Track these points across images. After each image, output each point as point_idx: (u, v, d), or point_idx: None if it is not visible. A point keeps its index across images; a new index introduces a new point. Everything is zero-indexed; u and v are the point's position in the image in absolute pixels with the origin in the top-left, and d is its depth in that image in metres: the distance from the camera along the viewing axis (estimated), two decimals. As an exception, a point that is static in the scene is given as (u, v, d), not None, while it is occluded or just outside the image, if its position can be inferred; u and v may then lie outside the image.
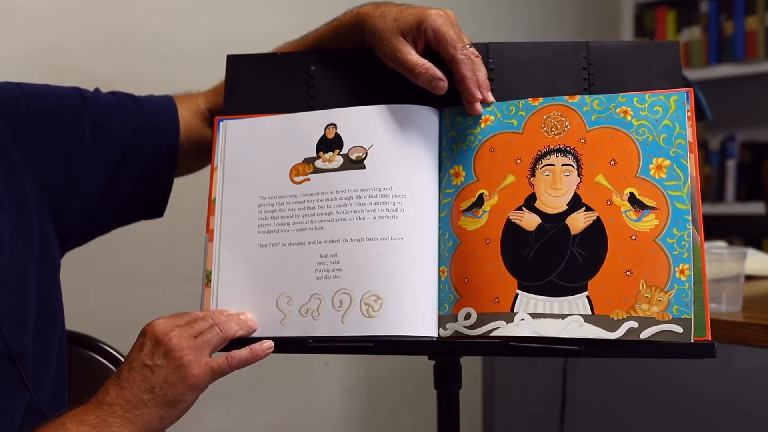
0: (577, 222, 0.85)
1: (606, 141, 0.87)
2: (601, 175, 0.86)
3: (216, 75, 1.07)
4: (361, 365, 2.37)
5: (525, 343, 0.83)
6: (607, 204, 0.85)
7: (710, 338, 0.80)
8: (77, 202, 1.02)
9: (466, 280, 0.87)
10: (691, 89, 0.88)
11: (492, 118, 0.91)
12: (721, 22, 2.96)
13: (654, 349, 0.81)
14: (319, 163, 0.92)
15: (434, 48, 0.90)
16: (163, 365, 0.83)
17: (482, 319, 0.85)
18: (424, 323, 0.86)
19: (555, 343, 0.82)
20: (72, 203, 1.01)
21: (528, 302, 0.84)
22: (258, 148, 0.95)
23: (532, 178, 0.88)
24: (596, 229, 0.84)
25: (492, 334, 0.84)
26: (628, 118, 0.87)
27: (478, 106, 0.90)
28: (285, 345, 0.88)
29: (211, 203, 0.95)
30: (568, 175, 0.87)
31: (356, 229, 0.88)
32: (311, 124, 0.94)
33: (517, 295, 0.85)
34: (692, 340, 0.80)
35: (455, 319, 0.86)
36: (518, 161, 0.89)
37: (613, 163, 0.86)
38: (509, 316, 0.84)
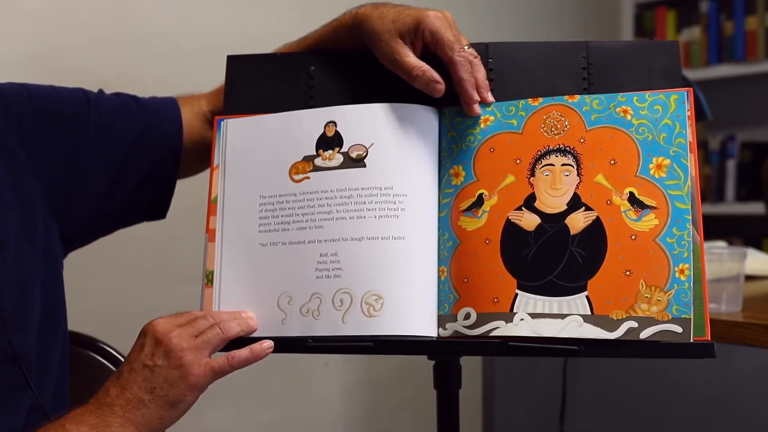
0: (577, 222, 0.85)
1: (606, 140, 0.87)
2: (601, 175, 0.86)
3: (216, 75, 1.07)
4: (361, 365, 2.37)
5: (524, 343, 0.83)
6: (606, 204, 0.85)
7: (709, 338, 0.80)
8: (81, 203, 1.02)
9: (465, 280, 0.87)
10: (691, 89, 0.87)
11: (492, 118, 0.91)
12: (721, 22, 2.96)
13: (653, 349, 0.81)
14: (318, 161, 0.92)
15: (432, 50, 0.90)
16: (163, 365, 0.83)
17: (482, 319, 0.85)
18: (424, 323, 0.86)
19: (554, 343, 0.82)
20: (76, 204, 1.01)
21: (527, 302, 0.84)
22: (258, 146, 0.95)
23: (531, 178, 0.88)
24: (596, 229, 0.84)
25: (491, 334, 0.84)
26: (628, 117, 0.87)
27: (476, 108, 0.90)
28: (285, 345, 0.88)
29: (211, 203, 0.95)
30: (567, 175, 0.87)
31: (357, 228, 0.88)
32: (310, 121, 0.94)
33: (516, 295, 0.85)
34: (692, 340, 0.80)
35: (455, 319, 0.86)
36: (518, 161, 0.89)
37: (612, 162, 0.86)
38: (509, 316, 0.84)
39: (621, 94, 0.88)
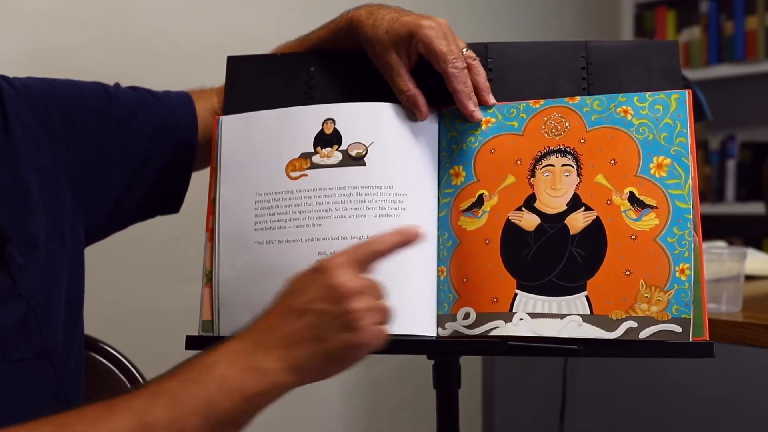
0: (577, 222, 0.85)
1: (606, 141, 0.87)
2: (601, 175, 0.86)
3: (216, 75, 1.07)
4: (361, 365, 2.36)
5: (524, 343, 0.83)
6: (606, 204, 0.85)
7: (708, 338, 0.80)
8: (103, 199, 1.02)
9: (465, 279, 0.87)
10: (690, 90, 0.87)
11: (493, 120, 0.91)
12: (721, 22, 2.96)
13: (653, 349, 0.81)
14: (316, 159, 0.92)
15: (427, 59, 0.90)
16: (337, 315, 0.74)
17: (481, 319, 0.85)
18: (424, 323, 0.86)
19: (554, 342, 0.82)
20: (98, 200, 1.01)
21: (527, 302, 0.84)
22: (254, 143, 0.94)
23: (532, 179, 0.88)
24: (595, 229, 0.84)
25: (491, 333, 0.84)
26: (629, 117, 0.87)
27: (476, 115, 0.90)
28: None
29: (211, 202, 0.95)
30: (567, 176, 0.87)
31: (356, 227, 0.88)
32: (308, 118, 0.93)
33: (516, 294, 0.85)
34: (690, 340, 0.80)
35: (454, 319, 0.86)
36: (518, 162, 0.89)
37: (613, 162, 0.86)
38: (508, 316, 0.84)
39: (622, 94, 0.88)
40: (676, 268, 0.81)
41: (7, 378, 0.86)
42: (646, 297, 0.81)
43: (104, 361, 1.19)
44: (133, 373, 1.19)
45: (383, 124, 0.91)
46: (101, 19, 1.81)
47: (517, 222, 0.87)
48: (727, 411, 1.30)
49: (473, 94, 0.90)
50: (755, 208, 2.88)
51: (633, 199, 0.84)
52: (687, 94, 0.86)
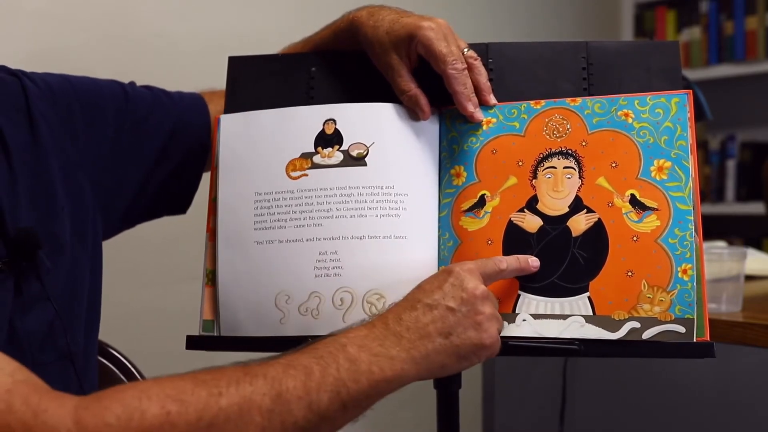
0: (579, 224, 0.85)
1: (607, 143, 0.87)
2: (603, 178, 0.86)
3: (216, 75, 1.07)
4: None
5: (525, 343, 0.83)
6: (608, 206, 0.85)
7: (708, 338, 0.81)
8: (118, 199, 1.01)
9: None
10: (691, 92, 0.88)
11: (494, 120, 0.91)
12: (721, 22, 2.96)
13: (654, 349, 0.81)
14: (317, 159, 0.92)
15: (427, 60, 0.90)
16: (465, 315, 0.78)
17: None
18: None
19: (555, 342, 0.82)
20: (113, 201, 1.01)
21: (529, 303, 0.84)
22: (253, 142, 0.94)
23: (533, 180, 0.88)
24: (597, 231, 0.84)
25: None
26: (629, 120, 0.87)
27: (476, 116, 0.90)
28: (285, 344, 0.87)
29: (211, 202, 0.95)
30: (569, 178, 0.87)
31: (358, 227, 0.88)
32: (309, 118, 0.93)
33: (518, 296, 0.85)
34: (695, 340, 0.80)
35: (456, 319, 0.86)
36: (520, 163, 0.89)
37: (614, 165, 0.86)
38: (511, 317, 0.84)
39: (622, 97, 0.88)
40: (679, 269, 0.81)
41: None
42: (649, 297, 0.81)
43: (104, 361, 1.19)
44: (133, 373, 1.19)
45: (384, 125, 0.91)
46: (101, 19, 1.81)
47: (519, 223, 0.87)
48: (727, 411, 1.30)
49: (473, 95, 0.90)
50: (755, 208, 2.88)
51: (634, 201, 0.84)
52: (687, 96, 0.86)
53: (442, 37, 0.89)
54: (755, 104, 3.05)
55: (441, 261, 0.89)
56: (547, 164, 0.88)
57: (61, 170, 0.93)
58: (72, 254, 0.92)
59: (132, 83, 1.06)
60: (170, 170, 1.05)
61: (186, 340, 0.92)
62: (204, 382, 0.68)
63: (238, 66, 1.00)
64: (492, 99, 0.91)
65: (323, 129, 0.92)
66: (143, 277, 1.87)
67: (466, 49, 0.90)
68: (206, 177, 1.00)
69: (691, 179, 0.84)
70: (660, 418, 1.39)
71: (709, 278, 1.23)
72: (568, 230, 0.85)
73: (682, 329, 0.80)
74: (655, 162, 0.85)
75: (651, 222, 0.83)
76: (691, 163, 0.85)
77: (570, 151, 0.88)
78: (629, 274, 0.82)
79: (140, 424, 0.64)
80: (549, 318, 0.83)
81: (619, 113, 0.87)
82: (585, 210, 0.85)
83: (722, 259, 1.28)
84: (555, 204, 0.87)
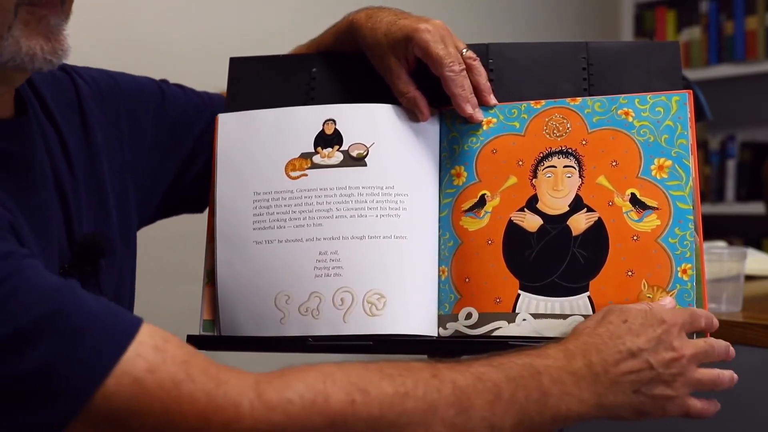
0: (579, 223, 0.85)
1: (607, 142, 0.87)
2: (603, 177, 0.86)
3: (216, 75, 1.07)
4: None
5: (524, 342, 0.83)
6: (608, 205, 0.85)
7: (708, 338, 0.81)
8: (152, 199, 1.01)
9: (467, 279, 0.87)
10: (691, 91, 0.88)
11: (494, 120, 0.91)
12: (721, 22, 2.96)
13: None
14: (317, 159, 0.91)
15: (424, 63, 0.90)
16: (663, 379, 0.75)
17: (483, 319, 0.85)
18: (425, 323, 0.86)
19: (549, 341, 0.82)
20: (148, 200, 1.01)
21: (530, 302, 0.84)
22: (252, 142, 0.94)
23: (534, 180, 0.88)
24: (597, 230, 0.84)
25: (493, 334, 0.84)
26: (630, 119, 0.87)
27: (476, 116, 0.90)
28: (285, 344, 0.88)
29: (212, 202, 0.95)
30: (569, 177, 0.87)
31: (358, 227, 0.88)
32: (308, 118, 0.93)
33: (518, 295, 0.85)
34: (694, 339, 0.80)
35: (456, 319, 0.86)
36: (520, 163, 0.89)
37: (614, 164, 0.86)
38: (511, 317, 0.84)
39: (623, 96, 0.88)
40: (678, 269, 0.81)
41: None
42: (649, 297, 0.81)
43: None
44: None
45: (384, 125, 0.91)
46: (101, 19, 1.81)
47: (519, 223, 0.87)
48: (727, 411, 1.30)
49: (472, 96, 0.90)
50: (755, 208, 2.88)
51: (634, 200, 0.84)
52: (688, 96, 0.86)
53: (439, 38, 0.89)
54: (755, 104, 3.05)
55: (441, 261, 0.89)
56: (547, 163, 0.88)
57: (110, 173, 0.92)
58: (121, 257, 0.92)
59: (165, 81, 1.06)
60: (198, 171, 1.04)
61: (186, 340, 0.92)
62: (390, 377, 0.67)
63: (240, 67, 1.00)
64: (492, 99, 0.91)
65: (323, 129, 0.92)
66: (143, 277, 1.87)
67: (464, 50, 0.90)
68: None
69: (691, 178, 0.84)
70: (659, 417, 1.38)
71: (709, 278, 1.22)
72: (568, 229, 0.85)
73: None
74: (656, 161, 0.85)
75: (651, 221, 0.83)
76: (692, 162, 0.85)
77: (570, 150, 0.88)
78: (629, 273, 0.82)
79: (324, 408, 0.64)
80: (549, 317, 0.83)
81: (619, 112, 0.87)
82: (585, 209, 0.85)
83: (722, 259, 1.28)
84: (555, 203, 0.86)
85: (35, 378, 0.61)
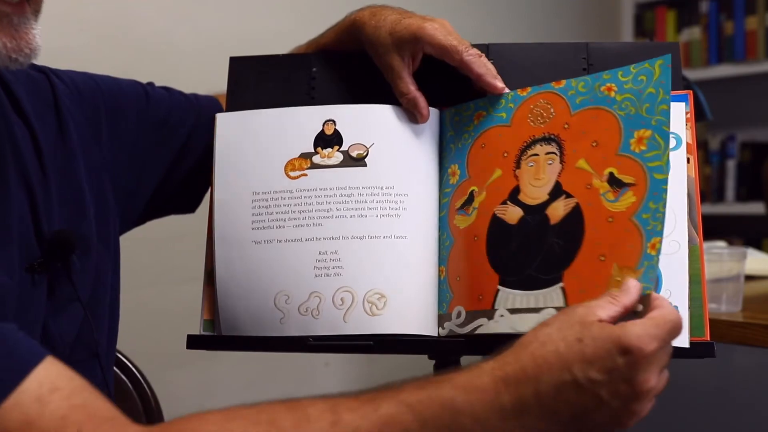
0: (557, 210, 0.81)
1: (588, 122, 0.83)
2: (582, 159, 0.81)
3: (216, 75, 1.08)
4: (361, 365, 2.37)
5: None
6: (586, 188, 0.80)
7: (708, 338, 0.80)
8: (137, 200, 1.01)
9: (458, 278, 0.87)
10: (691, 91, 0.87)
11: (484, 113, 0.90)
12: (721, 22, 2.96)
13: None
14: (317, 159, 0.91)
15: (439, 58, 0.90)
16: (612, 409, 0.65)
17: (469, 317, 0.84)
18: (426, 322, 0.86)
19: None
20: (132, 201, 1.01)
21: (507, 298, 0.82)
22: (251, 141, 0.93)
23: (517, 171, 0.85)
24: (575, 216, 0.80)
25: (476, 332, 0.83)
26: (612, 94, 0.82)
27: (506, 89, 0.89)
28: (285, 344, 0.88)
29: (211, 202, 0.95)
30: (551, 164, 0.83)
31: (358, 227, 0.88)
32: (308, 118, 0.93)
33: (498, 291, 0.83)
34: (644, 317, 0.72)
35: (450, 318, 0.86)
36: (505, 154, 0.87)
37: (594, 144, 0.81)
38: (490, 313, 0.82)
39: (606, 71, 0.84)
40: (648, 244, 0.75)
41: None
42: (618, 281, 0.75)
43: (105, 361, 1.19)
44: (134, 373, 1.19)
45: (384, 126, 0.91)
46: (101, 19, 1.81)
47: (501, 216, 0.84)
48: (727, 411, 1.30)
49: (497, 74, 0.89)
50: (755, 208, 2.88)
51: (612, 179, 0.79)
52: (670, 58, 0.81)
53: (448, 33, 0.89)
54: (755, 104, 3.05)
55: (441, 261, 0.89)
56: (530, 152, 0.85)
57: (87, 171, 0.92)
58: (97, 256, 0.92)
59: (151, 84, 1.06)
60: (186, 172, 1.05)
61: (187, 340, 0.92)
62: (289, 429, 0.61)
63: (240, 66, 1.00)
64: (499, 83, 0.89)
65: (323, 129, 0.92)
66: (143, 277, 1.87)
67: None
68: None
69: (668, 146, 0.78)
70: (660, 417, 1.39)
71: (709, 278, 1.23)
72: (546, 218, 0.82)
73: (639, 307, 0.72)
74: (635, 133, 0.79)
75: (627, 199, 0.78)
76: (690, 162, 0.83)
77: (552, 136, 0.84)
78: (601, 258, 0.77)
79: None
80: (524, 312, 0.80)
81: (602, 89, 0.83)
82: (564, 195, 0.81)
83: (722, 259, 1.28)
84: (535, 192, 0.83)
85: None
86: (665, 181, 0.76)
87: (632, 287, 0.71)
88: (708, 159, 3.06)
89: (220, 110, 1.07)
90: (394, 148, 0.91)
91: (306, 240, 0.88)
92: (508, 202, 0.85)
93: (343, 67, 0.98)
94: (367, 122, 0.92)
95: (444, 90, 0.91)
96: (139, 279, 1.87)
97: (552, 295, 0.79)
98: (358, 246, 0.87)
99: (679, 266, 0.80)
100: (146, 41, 1.88)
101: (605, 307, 0.69)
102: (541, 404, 0.64)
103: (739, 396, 1.29)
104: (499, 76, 0.89)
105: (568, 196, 0.81)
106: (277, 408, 0.64)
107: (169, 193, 1.05)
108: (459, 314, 0.85)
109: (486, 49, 0.93)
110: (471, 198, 0.88)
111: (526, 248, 0.82)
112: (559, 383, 0.64)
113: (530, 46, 0.94)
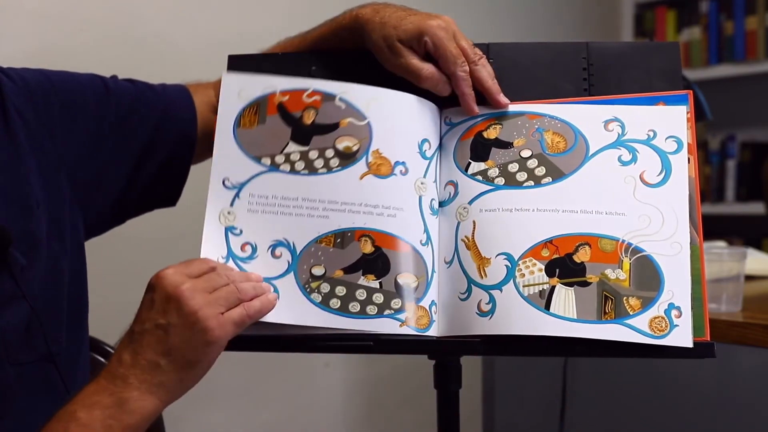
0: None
1: None
2: None
3: (216, 74, 1.07)
4: (361, 365, 2.37)
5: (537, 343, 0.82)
6: None
7: (708, 338, 0.80)
8: (103, 194, 1.01)
9: None
10: (691, 91, 0.87)
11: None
12: (721, 22, 2.96)
13: (654, 350, 0.80)
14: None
15: (434, 58, 0.90)
16: (177, 323, 0.76)
17: None
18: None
19: (552, 341, 0.82)
20: (98, 196, 1.00)
21: None
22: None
23: None
24: None
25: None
26: None
27: (476, 110, 0.91)
28: (286, 344, 0.88)
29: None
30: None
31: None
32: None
33: None
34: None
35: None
36: None
37: None
38: None
39: None
40: None
41: (13, 381, 0.86)
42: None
43: (105, 361, 1.19)
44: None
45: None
46: (101, 19, 1.81)
47: None
48: (727, 411, 1.30)
49: (474, 99, 0.90)
50: (755, 208, 2.88)
51: None
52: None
53: (452, 36, 0.90)
54: (755, 104, 3.05)
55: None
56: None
57: (38, 168, 0.92)
58: (49, 253, 0.91)
59: (114, 77, 1.05)
60: (158, 164, 1.04)
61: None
62: None
63: (239, 65, 1.00)
64: (503, 99, 0.90)
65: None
66: (143, 277, 1.87)
67: (469, 47, 0.91)
68: (205, 173, 1.00)
69: None
70: (660, 418, 1.39)
71: (709, 278, 1.23)
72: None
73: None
74: None
75: None
76: (690, 163, 0.84)
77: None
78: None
79: None
80: None
81: None
82: None
83: (722, 259, 1.28)
84: None
85: None
86: None
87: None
88: (708, 159, 3.06)
89: (189, 99, 1.06)
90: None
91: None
92: None
93: (341, 66, 0.98)
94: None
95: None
96: (139, 279, 1.87)
97: None
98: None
99: (681, 267, 0.81)
100: (146, 41, 1.87)
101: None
102: (133, 365, 0.76)
103: (738, 396, 1.29)
104: (492, 94, 0.90)
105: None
106: None
107: (144, 187, 1.04)
108: None
109: (486, 48, 0.94)
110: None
111: None
112: (131, 341, 0.78)
113: (530, 45, 0.94)
